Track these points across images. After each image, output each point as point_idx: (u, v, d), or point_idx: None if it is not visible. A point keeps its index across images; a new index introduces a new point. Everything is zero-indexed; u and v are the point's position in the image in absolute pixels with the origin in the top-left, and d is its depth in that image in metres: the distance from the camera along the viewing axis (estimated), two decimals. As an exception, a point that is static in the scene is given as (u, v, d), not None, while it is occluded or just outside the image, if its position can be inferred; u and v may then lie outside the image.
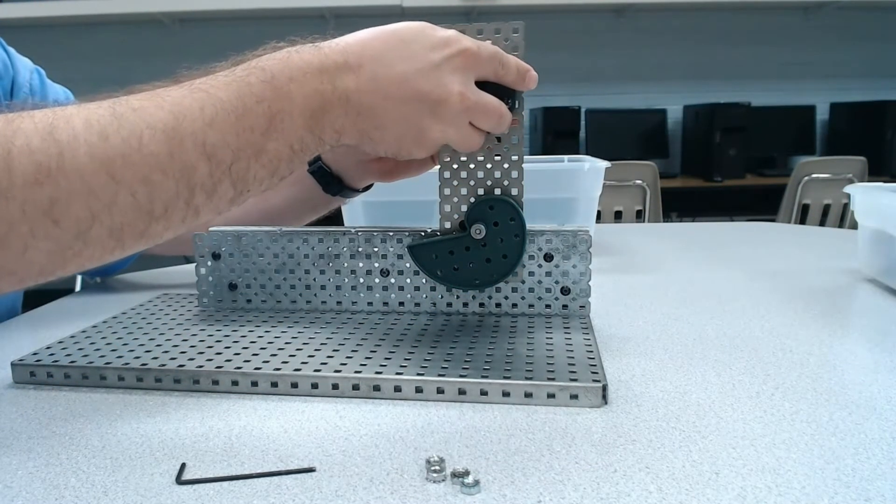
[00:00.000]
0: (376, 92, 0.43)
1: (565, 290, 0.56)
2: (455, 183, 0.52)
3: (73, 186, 0.34)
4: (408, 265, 0.57)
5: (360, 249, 0.57)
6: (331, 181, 0.63)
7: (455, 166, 0.52)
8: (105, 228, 0.36)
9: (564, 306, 0.56)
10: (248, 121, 0.39)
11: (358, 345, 0.49)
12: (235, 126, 0.39)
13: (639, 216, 2.34)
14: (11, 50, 0.65)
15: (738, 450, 0.35)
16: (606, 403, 0.41)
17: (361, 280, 0.58)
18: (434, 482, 0.32)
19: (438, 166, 0.52)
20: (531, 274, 0.56)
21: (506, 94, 0.49)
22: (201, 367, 0.45)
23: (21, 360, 0.47)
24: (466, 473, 0.32)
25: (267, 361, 0.46)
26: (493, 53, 0.46)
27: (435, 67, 0.44)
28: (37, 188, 0.34)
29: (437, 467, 0.32)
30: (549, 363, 0.45)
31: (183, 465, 0.34)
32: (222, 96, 0.39)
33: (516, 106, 0.49)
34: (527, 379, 0.42)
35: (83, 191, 0.35)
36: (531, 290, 0.56)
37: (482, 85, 0.47)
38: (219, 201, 0.40)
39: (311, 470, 0.34)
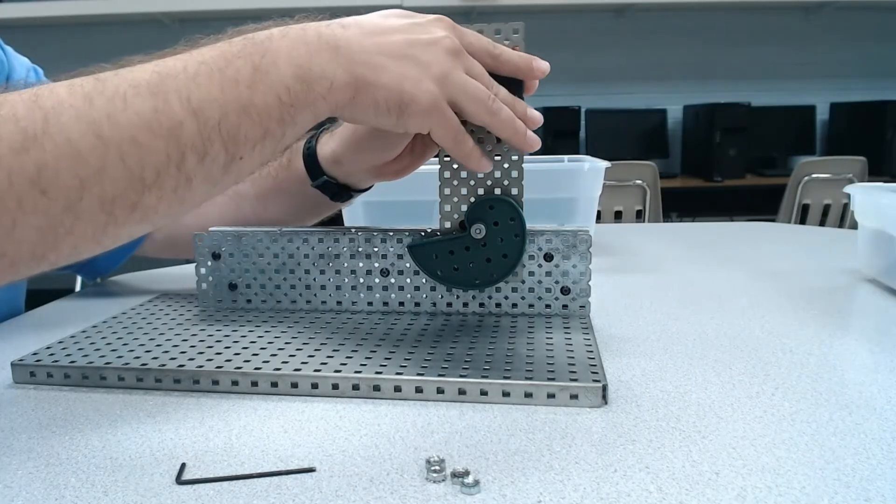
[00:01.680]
0: (365, 35, 0.43)
1: (565, 290, 0.56)
2: (455, 183, 0.52)
3: (59, 151, 0.34)
4: (408, 265, 0.57)
5: (360, 249, 0.57)
6: (338, 191, 0.62)
7: (455, 166, 0.52)
8: (95, 199, 0.35)
9: (564, 306, 0.56)
10: (232, 72, 0.39)
11: (358, 345, 0.49)
12: (220, 79, 0.38)
13: (639, 216, 2.34)
14: (9, 49, 0.65)
15: (738, 450, 0.35)
16: (606, 403, 0.41)
17: (361, 280, 0.58)
18: (434, 482, 0.32)
19: (440, 165, 0.52)
20: (531, 274, 0.56)
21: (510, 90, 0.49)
22: (201, 367, 0.45)
23: (21, 360, 0.47)
24: (466, 473, 0.32)
25: (267, 361, 0.46)
26: (478, 35, 0.47)
27: (420, 51, 0.44)
28: (23, 155, 0.33)
29: (437, 467, 0.32)
30: (549, 363, 0.45)
31: (183, 465, 0.34)
32: (206, 55, 0.39)
33: None
34: (527, 379, 0.42)
35: (70, 155, 0.34)
36: (531, 290, 0.56)
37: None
38: (211, 165, 0.39)
39: (311, 470, 0.34)
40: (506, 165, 0.51)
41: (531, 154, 0.50)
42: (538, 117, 0.48)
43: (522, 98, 0.49)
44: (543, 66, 0.48)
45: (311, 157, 0.61)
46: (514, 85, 0.49)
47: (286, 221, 0.67)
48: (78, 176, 0.34)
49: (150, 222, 0.39)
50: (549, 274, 0.56)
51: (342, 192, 0.63)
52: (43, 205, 0.34)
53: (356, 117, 0.45)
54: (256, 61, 0.40)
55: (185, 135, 0.37)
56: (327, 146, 0.60)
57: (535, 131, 0.49)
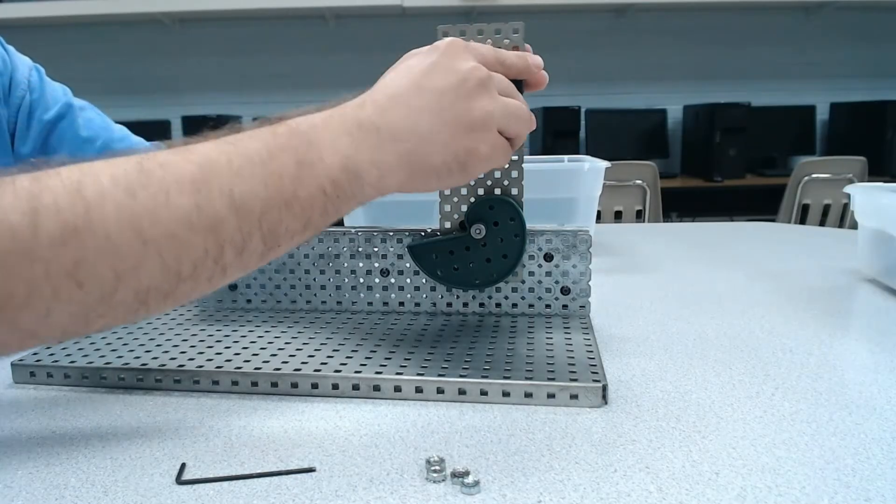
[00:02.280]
0: (401, 108, 0.42)
1: (565, 290, 0.56)
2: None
3: (99, 246, 0.34)
4: (408, 265, 0.57)
5: (360, 249, 0.57)
6: None
7: (455, 166, 0.52)
8: (131, 291, 0.35)
9: (564, 306, 0.56)
10: (275, 167, 0.38)
11: (358, 345, 0.49)
12: (263, 174, 0.38)
13: (639, 216, 2.34)
14: (10, 48, 0.65)
15: (738, 450, 0.35)
16: (606, 403, 0.41)
17: (361, 280, 0.58)
18: (434, 482, 0.32)
19: None
20: (531, 274, 0.56)
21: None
22: (201, 367, 0.45)
23: (21, 360, 0.47)
24: (466, 473, 0.32)
25: (267, 361, 0.46)
26: (486, 47, 0.46)
27: (456, 97, 0.43)
28: (62, 248, 0.33)
29: (437, 467, 0.32)
30: (549, 363, 0.45)
31: (183, 465, 0.34)
32: (249, 147, 0.38)
33: None
34: (527, 379, 0.42)
35: (109, 250, 0.34)
36: (531, 289, 0.56)
37: None
38: (248, 258, 0.38)
39: (311, 470, 0.34)
40: (506, 165, 0.51)
41: (531, 154, 0.50)
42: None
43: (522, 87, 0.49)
44: (537, 60, 0.48)
45: None
46: (516, 84, 0.49)
47: None
48: (115, 270, 0.34)
49: (181, 304, 0.39)
50: (549, 274, 0.56)
51: None
52: (78, 296, 0.34)
53: (414, 192, 0.44)
54: (301, 154, 0.39)
55: (226, 231, 0.37)
56: None
57: (535, 131, 0.49)
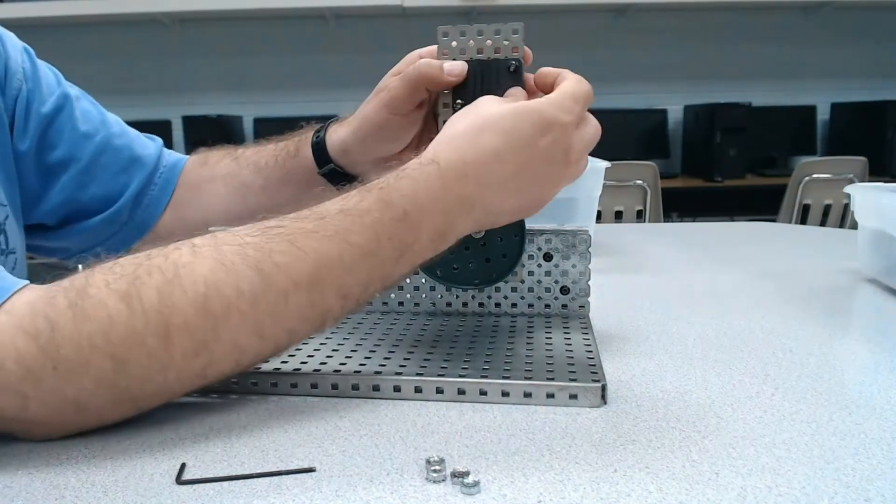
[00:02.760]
0: (499, 189, 0.44)
1: (565, 290, 0.56)
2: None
3: (225, 352, 0.38)
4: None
5: (360, 249, 0.57)
6: (344, 181, 0.61)
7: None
8: (242, 367, 0.40)
9: (564, 306, 0.56)
10: (381, 256, 0.41)
11: (357, 345, 0.49)
12: (370, 264, 0.41)
13: (639, 216, 2.34)
14: (2, 32, 0.61)
15: (738, 450, 0.35)
16: (606, 403, 0.41)
17: (361, 280, 0.58)
18: (434, 482, 0.32)
19: None
20: (530, 274, 0.56)
21: (508, 82, 0.49)
22: (201, 366, 0.45)
23: (21, 359, 0.47)
24: (466, 473, 0.32)
25: (266, 361, 0.46)
26: (576, 116, 0.46)
27: (549, 180, 0.46)
28: (193, 359, 0.37)
29: (437, 467, 0.32)
30: (548, 363, 0.45)
31: (183, 465, 0.34)
32: (359, 241, 0.40)
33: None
34: (526, 379, 0.42)
35: (235, 353, 0.38)
36: (530, 289, 0.56)
37: (482, 79, 0.48)
38: (334, 323, 0.43)
39: (311, 470, 0.34)
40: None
41: None
42: None
43: (522, 83, 0.50)
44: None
45: (319, 145, 0.61)
46: (516, 74, 0.49)
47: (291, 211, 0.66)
48: (236, 362, 0.39)
49: None
50: (548, 274, 0.56)
51: (348, 182, 0.62)
52: (201, 385, 0.39)
53: None
54: (405, 244, 0.42)
55: (331, 315, 0.41)
56: (336, 134, 0.60)
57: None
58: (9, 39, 0.60)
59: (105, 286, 0.36)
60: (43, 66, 0.63)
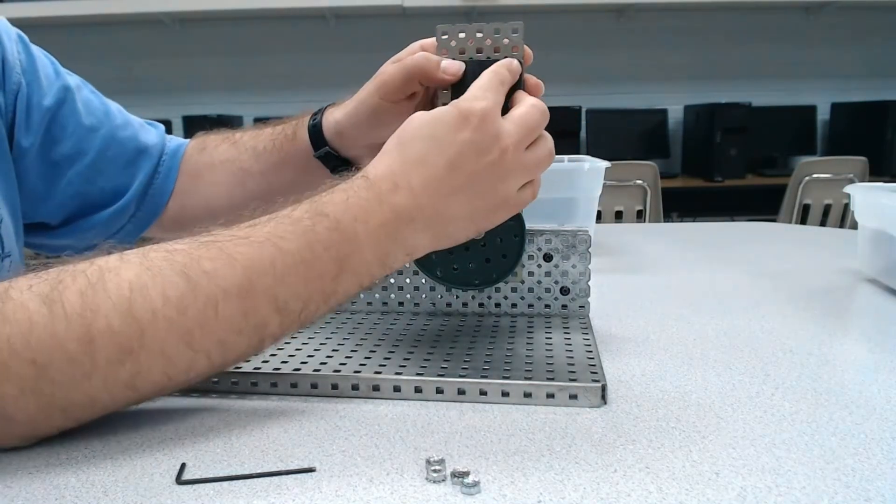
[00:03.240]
0: (434, 193, 0.43)
1: (565, 290, 0.56)
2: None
3: (153, 361, 0.36)
4: (407, 265, 0.57)
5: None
6: (339, 165, 0.61)
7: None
8: (179, 384, 0.38)
9: (564, 306, 0.56)
10: (318, 269, 0.40)
11: (357, 345, 0.49)
12: (306, 275, 0.39)
13: (639, 216, 2.34)
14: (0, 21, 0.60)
15: (738, 450, 0.35)
16: (606, 403, 0.41)
17: (361, 280, 0.58)
18: (434, 482, 0.32)
19: None
20: (530, 274, 0.56)
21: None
22: (201, 367, 0.45)
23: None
24: (466, 473, 0.32)
25: (266, 361, 0.46)
26: (529, 129, 0.45)
27: (487, 180, 0.44)
28: (119, 366, 0.36)
29: (437, 467, 0.32)
30: (548, 363, 0.45)
31: (183, 465, 0.34)
32: (291, 248, 0.39)
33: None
34: (526, 379, 0.42)
35: (162, 363, 0.37)
36: (530, 290, 0.56)
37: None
38: (280, 340, 0.42)
39: (311, 470, 0.34)
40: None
41: None
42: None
43: (522, 84, 0.50)
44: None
45: (316, 128, 0.60)
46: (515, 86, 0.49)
47: (290, 194, 0.65)
48: (167, 375, 0.37)
49: None
50: (548, 274, 0.56)
51: (343, 166, 0.61)
52: (133, 397, 0.38)
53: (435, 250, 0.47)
54: (342, 255, 0.41)
55: (269, 330, 0.39)
56: (332, 116, 0.60)
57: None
58: (3, 29, 0.58)
59: (27, 289, 0.35)
60: (39, 53, 0.61)
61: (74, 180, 0.61)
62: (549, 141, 0.47)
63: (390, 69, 0.53)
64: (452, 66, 0.49)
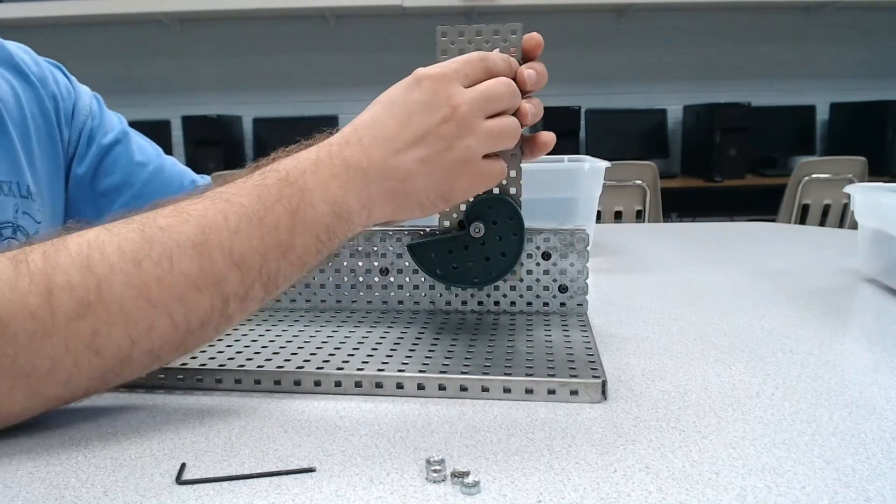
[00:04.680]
0: (386, 148, 0.43)
1: (563, 288, 0.56)
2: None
3: (112, 317, 0.36)
4: (407, 264, 0.57)
5: (359, 248, 0.57)
6: None
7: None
8: (145, 351, 0.38)
9: (562, 304, 0.56)
10: (271, 220, 0.40)
11: (359, 343, 0.49)
12: (260, 228, 0.40)
13: (639, 216, 2.34)
14: (73, 77, 0.70)
15: (738, 450, 0.35)
16: (606, 399, 0.41)
17: (361, 279, 0.58)
18: (434, 482, 0.32)
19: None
20: (529, 272, 0.56)
21: None
22: (203, 365, 0.45)
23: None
24: (466, 473, 0.32)
25: (269, 359, 0.46)
26: (471, 62, 0.45)
27: (437, 138, 0.44)
28: (79, 321, 0.36)
29: (437, 467, 0.32)
30: (548, 360, 0.45)
31: (183, 465, 0.34)
32: (244, 202, 0.40)
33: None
34: (527, 376, 0.42)
35: (123, 319, 0.36)
36: (529, 288, 0.56)
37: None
38: (250, 304, 0.41)
39: (311, 470, 0.34)
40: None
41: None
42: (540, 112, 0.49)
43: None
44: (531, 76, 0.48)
45: None
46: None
47: None
48: (129, 336, 0.37)
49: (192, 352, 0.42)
50: (546, 272, 0.56)
51: None
52: (97, 363, 0.37)
53: (404, 220, 0.46)
54: (294, 205, 0.41)
55: (229, 286, 0.39)
56: None
57: (535, 131, 0.49)
58: (83, 89, 0.70)
59: (1, 255, 0.36)
60: (109, 111, 0.72)
61: (121, 209, 0.66)
62: (514, 120, 0.46)
63: None
64: None
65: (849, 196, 0.74)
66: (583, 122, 2.95)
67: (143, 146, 0.71)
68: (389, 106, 0.44)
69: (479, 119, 0.44)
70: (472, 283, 0.54)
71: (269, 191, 0.40)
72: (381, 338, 0.51)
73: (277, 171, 0.42)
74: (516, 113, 0.47)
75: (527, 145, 0.51)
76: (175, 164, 0.72)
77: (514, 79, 0.47)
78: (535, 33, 0.49)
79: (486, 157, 0.46)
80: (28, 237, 0.58)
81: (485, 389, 0.42)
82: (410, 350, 0.48)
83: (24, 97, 0.62)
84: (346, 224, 0.43)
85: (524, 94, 0.49)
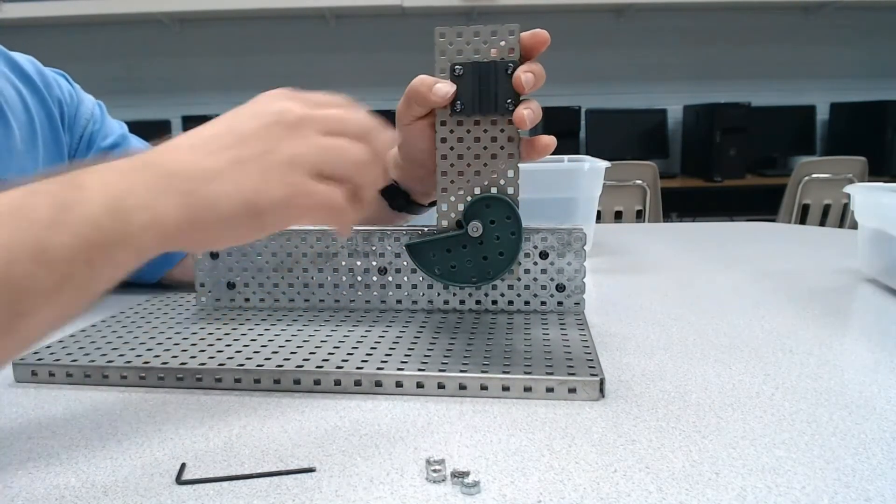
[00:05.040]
0: (199, 149, 0.37)
1: (560, 287, 0.56)
2: (452, 181, 0.52)
3: None
4: (405, 263, 0.57)
5: (357, 248, 0.57)
6: (397, 196, 0.62)
7: (452, 164, 0.52)
8: None
9: (559, 303, 0.56)
10: (28, 212, 0.32)
11: (358, 342, 0.49)
12: (12, 222, 0.32)
13: (639, 216, 2.34)
14: (77, 86, 0.72)
15: (738, 450, 0.35)
16: (604, 397, 0.41)
17: (359, 278, 0.58)
18: (434, 482, 0.32)
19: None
20: (527, 271, 0.56)
21: (504, 93, 0.49)
22: (203, 364, 0.45)
23: (22, 359, 0.47)
24: (466, 473, 0.32)
25: (268, 359, 0.46)
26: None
27: (259, 139, 0.38)
28: None
29: (437, 467, 0.32)
30: (546, 359, 0.45)
31: (183, 465, 0.34)
32: (13, 195, 0.33)
33: (512, 108, 0.49)
34: (525, 374, 0.42)
35: None
36: (527, 287, 0.56)
37: (479, 81, 0.47)
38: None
39: (311, 470, 0.34)
40: (502, 164, 0.52)
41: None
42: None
43: (512, 109, 0.49)
44: (384, 137, 0.41)
45: None
46: (508, 85, 0.49)
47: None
48: None
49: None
50: (544, 271, 0.56)
51: (400, 198, 0.62)
52: None
53: (202, 244, 0.38)
54: (60, 197, 0.33)
55: None
56: (394, 149, 0.60)
57: (535, 131, 0.48)
58: (86, 96, 0.72)
59: None
60: (112, 120, 0.74)
61: None
62: (361, 147, 0.39)
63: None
64: (442, 90, 0.50)
65: (849, 196, 0.74)
66: (583, 122, 2.95)
67: (141, 149, 0.71)
68: (223, 116, 0.39)
69: (313, 130, 0.38)
70: (470, 282, 0.54)
71: (44, 186, 0.34)
72: (380, 337, 0.51)
73: (58, 171, 0.35)
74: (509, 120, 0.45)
75: (526, 148, 0.51)
76: None
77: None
78: (540, 31, 0.49)
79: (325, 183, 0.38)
80: None
81: (483, 388, 0.42)
82: (409, 349, 0.48)
83: (31, 101, 0.64)
84: (124, 224, 0.33)
85: (523, 96, 0.50)
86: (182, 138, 0.38)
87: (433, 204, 0.64)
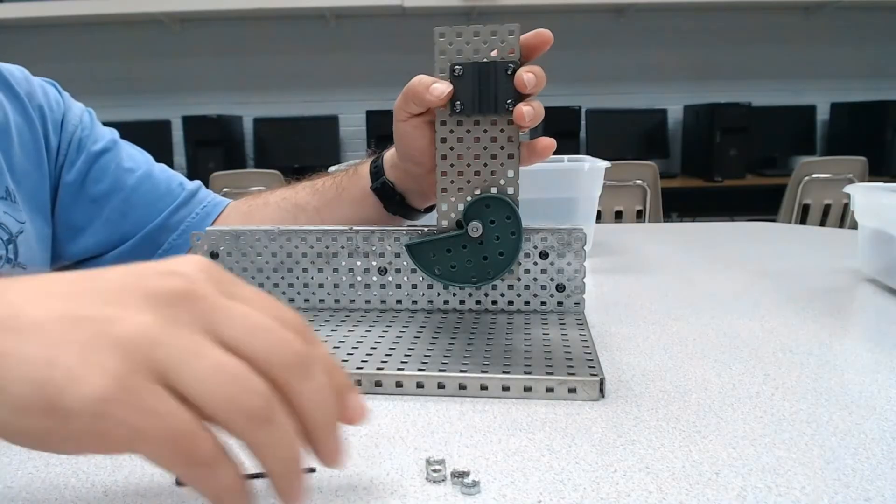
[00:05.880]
0: (33, 291, 0.25)
1: (560, 287, 0.56)
2: (452, 181, 0.52)
3: None
4: (405, 263, 0.57)
5: (357, 248, 0.57)
6: (392, 198, 0.63)
7: (452, 164, 0.52)
8: None
9: (559, 303, 0.56)
10: None
11: (358, 342, 0.49)
12: None
13: (639, 216, 2.34)
14: (66, 94, 0.71)
15: (738, 450, 0.35)
16: (604, 397, 0.41)
17: (359, 278, 0.58)
18: (434, 482, 0.32)
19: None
20: (527, 271, 0.56)
21: (504, 93, 0.49)
22: (201, 366, 0.45)
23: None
24: (466, 473, 0.32)
25: (266, 361, 0.46)
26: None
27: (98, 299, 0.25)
28: None
29: (437, 467, 0.32)
30: (546, 358, 0.45)
31: (182, 465, 0.34)
32: None
33: (512, 109, 0.49)
34: (525, 373, 0.42)
35: None
36: (527, 287, 0.56)
37: (479, 82, 0.47)
38: None
39: (311, 470, 0.34)
40: (501, 165, 0.52)
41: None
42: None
43: (511, 109, 0.49)
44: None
45: (377, 161, 0.63)
46: (513, 77, 0.49)
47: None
48: None
49: None
50: (544, 271, 0.56)
51: (396, 201, 0.63)
52: None
53: None
54: None
55: None
56: (390, 150, 0.61)
57: (535, 131, 0.48)
58: (75, 103, 0.72)
59: None
60: (102, 125, 0.73)
61: (111, 216, 0.68)
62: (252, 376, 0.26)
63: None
64: (438, 89, 0.50)
65: (849, 196, 0.74)
66: (583, 122, 2.96)
67: (133, 154, 0.72)
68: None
69: (200, 323, 0.25)
70: (470, 282, 0.54)
71: None
72: (380, 337, 0.51)
73: None
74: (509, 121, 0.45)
75: (526, 151, 0.51)
76: (165, 170, 0.73)
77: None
78: (543, 30, 0.49)
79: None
80: (11, 235, 0.60)
81: (483, 388, 0.42)
82: (409, 349, 0.48)
83: (9, 107, 0.63)
84: None
85: (523, 96, 0.50)
86: (40, 276, 0.27)
87: (429, 210, 0.64)
